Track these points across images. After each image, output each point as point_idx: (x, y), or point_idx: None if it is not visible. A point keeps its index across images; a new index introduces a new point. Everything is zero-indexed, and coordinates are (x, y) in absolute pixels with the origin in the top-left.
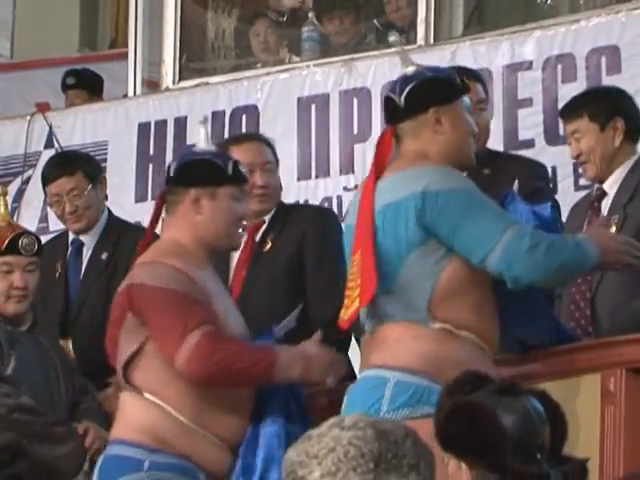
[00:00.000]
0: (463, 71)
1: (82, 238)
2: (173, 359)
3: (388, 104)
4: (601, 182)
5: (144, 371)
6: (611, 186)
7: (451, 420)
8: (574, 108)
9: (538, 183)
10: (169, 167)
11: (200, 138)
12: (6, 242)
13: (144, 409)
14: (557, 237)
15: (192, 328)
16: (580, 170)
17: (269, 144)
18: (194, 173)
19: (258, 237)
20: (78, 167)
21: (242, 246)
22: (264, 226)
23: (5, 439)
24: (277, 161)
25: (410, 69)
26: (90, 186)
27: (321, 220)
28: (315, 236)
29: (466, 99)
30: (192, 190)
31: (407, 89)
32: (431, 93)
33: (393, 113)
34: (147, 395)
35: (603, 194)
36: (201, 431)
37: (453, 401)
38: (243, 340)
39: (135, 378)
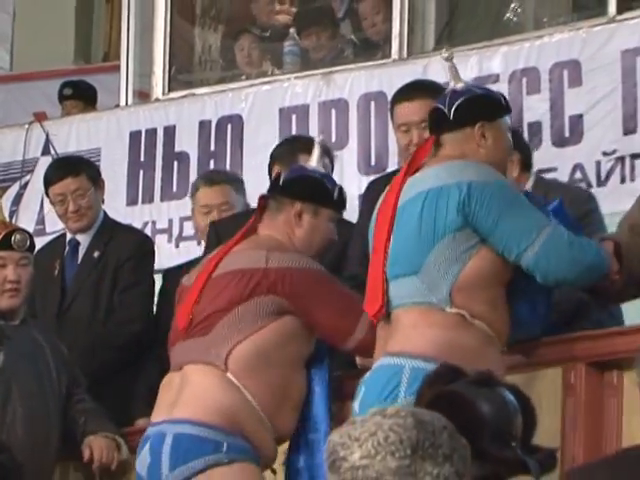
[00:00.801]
0: (413, 89)
1: (78, 238)
2: (346, 337)
3: (435, 114)
4: None
5: (243, 353)
6: None
7: (433, 409)
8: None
9: None
10: (278, 176)
11: (313, 157)
12: (0, 238)
13: (225, 390)
14: (585, 239)
15: (362, 304)
16: None
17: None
18: (303, 188)
19: None
20: (82, 170)
21: None
22: None
23: None
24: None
25: (459, 85)
26: (92, 188)
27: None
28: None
29: (508, 119)
30: (298, 203)
31: (457, 102)
32: (479, 108)
33: (439, 123)
34: (230, 375)
35: None
36: (267, 423)
37: (434, 391)
38: None
39: (230, 355)
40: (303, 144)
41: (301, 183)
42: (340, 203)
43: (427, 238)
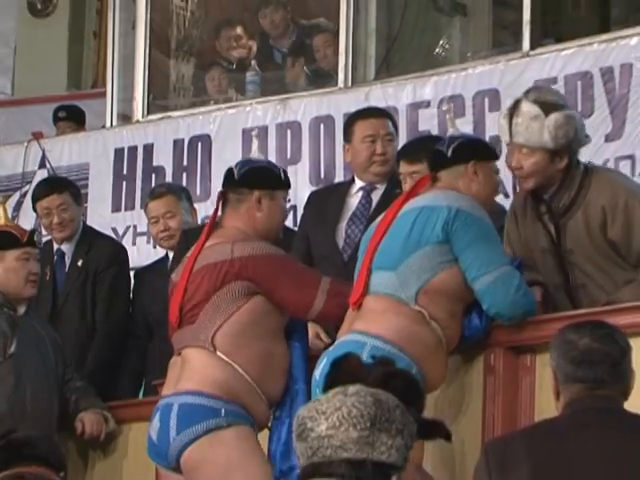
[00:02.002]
0: (377, 110)
1: (63, 248)
2: (308, 307)
3: (435, 155)
4: None
5: (225, 333)
6: None
7: (389, 386)
8: (416, 153)
9: None
10: (231, 171)
11: (253, 149)
12: (27, 235)
13: (218, 367)
14: (529, 289)
15: (319, 278)
16: None
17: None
18: (257, 178)
19: None
20: (66, 188)
21: None
22: None
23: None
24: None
25: (456, 131)
26: (74, 204)
27: None
28: None
29: (496, 164)
30: (256, 191)
31: (454, 144)
32: (473, 150)
33: (438, 162)
34: (219, 354)
35: None
36: (258, 390)
37: (382, 372)
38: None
39: (215, 337)
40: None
41: (254, 174)
42: (287, 182)
43: (412, 243)
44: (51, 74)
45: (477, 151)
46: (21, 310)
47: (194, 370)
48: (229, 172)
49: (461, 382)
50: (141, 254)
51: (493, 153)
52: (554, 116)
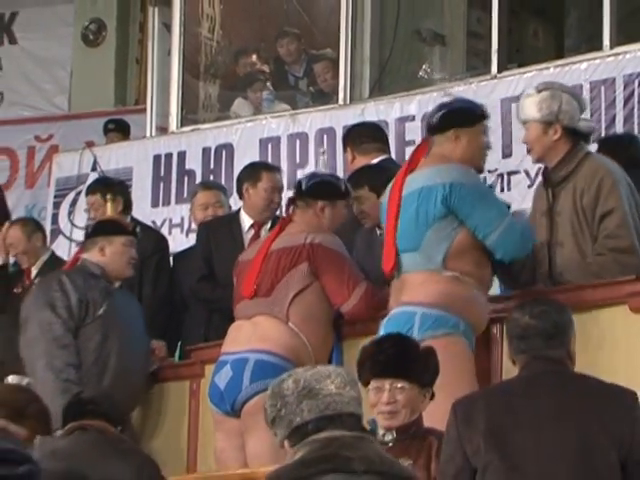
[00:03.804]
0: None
1: None
2: (342, 301)
3: (428, 123)
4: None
5: (296, 307)
6: None
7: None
8: (357, 181)
9: None
10: (300, 183)
11: (320, 164)
12: (131, 226)
13: (290, 335)
14: (525, 223)
15: (359, 281)
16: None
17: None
18: (321, 190)
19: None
20: (118, 190)
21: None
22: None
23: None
24: None
25: (448, 98)
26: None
27: None
28: None
29: (485, 124)
30: (319, 201)
31: (439, 113)
32: (453, 118)
33: (430, 128)
34: (291, 325)
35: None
36: (314, 360)
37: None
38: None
39: (289, 311)
40: (263, 165)
41: (318, 186)
42: (347, 193)
43: (422, 224)
44: (101, 93)
45: (457, 119)
46: (116, 284)
47: (269, 334)
48: (299, 184)
49: None
50: (175, 242)
51: (477, 118)
52: (542, 93)
